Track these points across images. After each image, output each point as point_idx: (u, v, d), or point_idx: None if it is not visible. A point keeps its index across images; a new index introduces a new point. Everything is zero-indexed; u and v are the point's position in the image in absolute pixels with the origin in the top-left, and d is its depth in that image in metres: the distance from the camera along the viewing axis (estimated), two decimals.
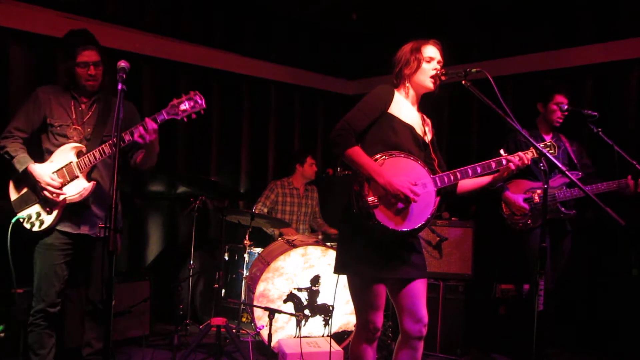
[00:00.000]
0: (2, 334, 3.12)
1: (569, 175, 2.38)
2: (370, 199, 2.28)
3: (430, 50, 2.46)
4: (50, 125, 2.78)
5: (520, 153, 2.43)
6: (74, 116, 2.81)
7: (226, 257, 4.37)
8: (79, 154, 2.75)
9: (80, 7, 4.16)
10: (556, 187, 3.58)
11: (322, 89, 6.04)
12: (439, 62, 2.46)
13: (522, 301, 3.98)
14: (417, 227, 2.33)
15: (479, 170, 2.44)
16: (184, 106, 2.65)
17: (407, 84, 2.48)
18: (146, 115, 2.67)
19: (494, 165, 2.44)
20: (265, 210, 4.82)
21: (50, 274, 2.73)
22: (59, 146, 2.76)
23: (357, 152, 2.32)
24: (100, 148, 2.69)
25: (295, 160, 5.02)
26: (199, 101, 2.66)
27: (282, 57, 5.58)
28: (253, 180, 5.47)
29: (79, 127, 2.81)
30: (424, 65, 2.43)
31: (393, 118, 2.41)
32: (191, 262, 4.27)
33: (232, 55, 5.17)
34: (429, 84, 2.45)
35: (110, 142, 2.68)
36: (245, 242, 4.17)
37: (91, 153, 2.70)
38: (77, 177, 2.72)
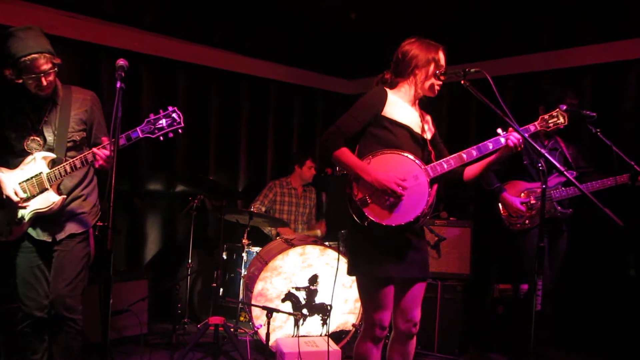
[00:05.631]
0: None
1: (566, 174, 2.37)
2: (359, 198, 2.29)
3: (443, 59, 2.46)
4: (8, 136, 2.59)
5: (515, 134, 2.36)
6: (30, 125, 2.60)
7: (224, 256, 4.37)
8: (51, 164, 2.60)
9: (80, 5, 4.15)
10: (552, 187, 3.59)
11: (321, 88, 6.04)
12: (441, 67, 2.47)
13: (520, 301, 3.99)
14: (412, 219, 2.30)
15: (474, 154, 2.40)
16: (161, 123, 2.45)
17: (411, 84, 2.45)
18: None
19: (491, 146, 2.40)
20: (263, 209, 4.82)
21: (29, 276, 2.65)
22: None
23: (344, 154, 2.34)
24: (71, 162, 2.53)
25: (295, 161, 5.02)
26: (177, 119, 2.45)
27: (281, 56, 5.58)
28: (251, 180, 5.47)
29: (38, 138, 2.61)
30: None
31: (388, 119, 2.40)
32: (189, 261, 4.27)
33: (231, 55, 5.16)
34: (433, 93, 2.47)
35: (81, 157, 2.53)
36: (243, 241, 4.16)
37: (62, 166, 2.54)
38: (46, 189, 2.57)
